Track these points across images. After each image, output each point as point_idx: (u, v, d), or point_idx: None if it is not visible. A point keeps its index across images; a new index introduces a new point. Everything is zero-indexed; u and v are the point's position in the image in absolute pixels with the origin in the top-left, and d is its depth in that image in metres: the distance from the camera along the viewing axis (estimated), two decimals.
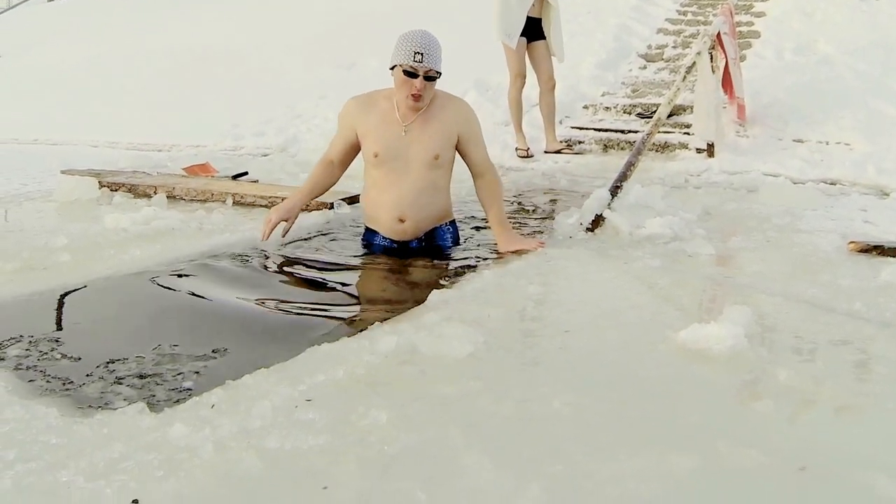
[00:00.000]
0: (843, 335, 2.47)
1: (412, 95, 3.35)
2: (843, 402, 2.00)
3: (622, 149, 6.75)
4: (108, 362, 2.26)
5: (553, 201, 5.02)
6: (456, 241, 3.70)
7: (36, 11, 20.08)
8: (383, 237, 3.59)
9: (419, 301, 2.77)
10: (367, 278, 3.35)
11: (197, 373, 2.19)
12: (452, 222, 3.71)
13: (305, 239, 3.84)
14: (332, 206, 4.37)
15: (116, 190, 5.03)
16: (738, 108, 6.60)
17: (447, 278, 3.17)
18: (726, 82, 6.46)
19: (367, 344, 2.29)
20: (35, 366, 2.24)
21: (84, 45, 14.34)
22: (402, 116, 3.45)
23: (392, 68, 3.39)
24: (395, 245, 3.57)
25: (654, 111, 5.68)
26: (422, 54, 3.30)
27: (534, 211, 4.68)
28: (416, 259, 3.47)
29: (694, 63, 5.82)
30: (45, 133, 9.83)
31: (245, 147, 8.00)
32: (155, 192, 4.89)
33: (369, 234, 3.68)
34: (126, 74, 12.02)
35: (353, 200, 4.44)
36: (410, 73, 3.32)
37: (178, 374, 2.18)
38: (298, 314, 2.74)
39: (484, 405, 1.93)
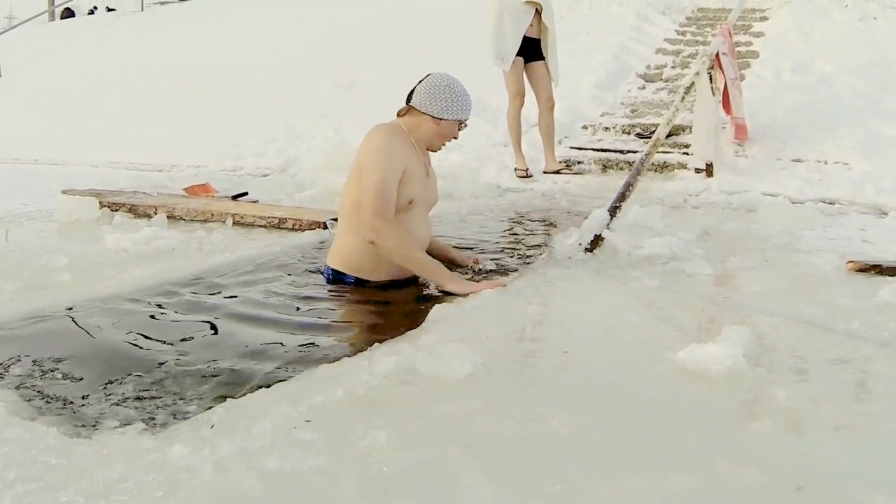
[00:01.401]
0: (842, 355, 2.47)
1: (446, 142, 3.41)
2: (841, 422, 2.00)
3: (621, 169, 6.77)
4: (107, 383, 2.26)
5: (552, 221, 5.03)
6: None
7: (37, 31, 20.19)
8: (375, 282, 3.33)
9: (418, 321, 2.78)
10: (365, 298, 3.35)
11: (196, 393, 2.19)
12: None
13: (299, 259, 3.84)
14: (325, 226, 4.39)
15: (117, 210, 5.05)
16: (737, 127, 6.62)
17: (443, 301, 3.16)
18: (724, 102, 6.49)
19: (367, 364, 2.29)
20: (35, 386, 2.24)
21: (84, 64, 14.39)
22: (425, 157, 3.44)
23: (442, 119, 3.31)
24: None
25: (653, 131, 5.70)
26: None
27: (533, 231, 4.69)
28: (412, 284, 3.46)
29: (693, 83, 5.85)
30: (46, 153, 9.84)
31: (245, 167, 8.02)
32: (155, 212, 4.91)
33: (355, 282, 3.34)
34: (126, 93, 12.05)
35: None
36: (460, 127, 3.39)
37: (178, 394, 2.18)
38: (297, 334, 2.74)
39: (483, 425, 1.93)
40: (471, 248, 4.04)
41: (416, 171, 3.28)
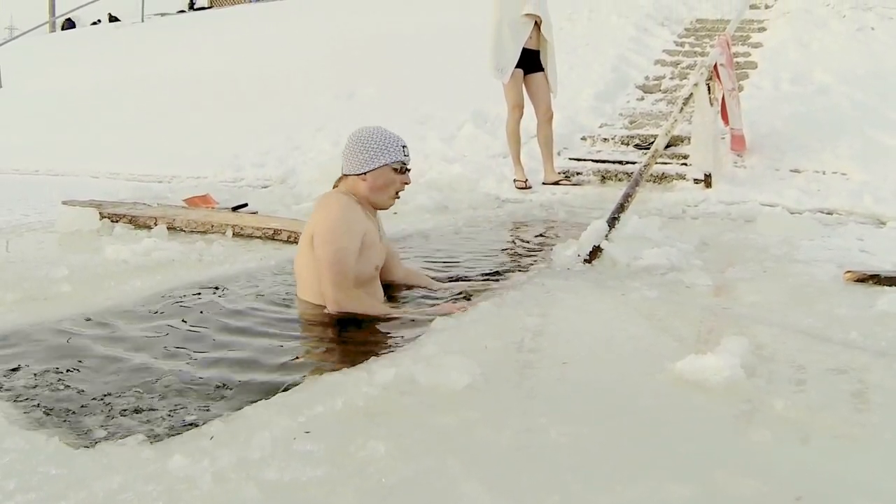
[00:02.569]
0: (840, 365, 2.48)
1: (397, 193, 3.21)
2: (839, 432, 2.01)
3: (620, 180, 6.79)
4: (107, 393, 2.27)
5: (551, 233, 5.03)
6: None
7: (37, 42, 20.25)
8: None
9: (416, 333, 2.78)
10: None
11: (196, 404, 2.19)
12: None
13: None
14: None
15: (117, 221, 5.06)
16: (734, 138, 6.64)
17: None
18: (722, 113, 6.51)
19: (366, 375, 2.30)
20: (35, 396, 2.25)
21: (85, 75, 14.44)
22: (377, 224, 3.27)
23: (366, 173, 3.13)
24: None
25: (652, 142, 5.71)
26: (406, 146, 3.20)
27: (531, 242, 4.70)
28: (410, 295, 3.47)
29: (691, 94, 5.87)
30: (47, 163, 9.87)
31: (245, 178, 8.04)
32: (155, 224, 4.92)
33: None
34: (127, 104, 12.09)
35: None
36: (402, 169, 3.19)
37: (178, 405, 2.19)
38: (296, 345, 2.75)
39: (482, 436, 1.93)
40: (449, 270, 4.00)
41: (371, 237, 3.14)
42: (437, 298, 3.33)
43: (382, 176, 3.14)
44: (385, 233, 3.41)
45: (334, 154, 8.15)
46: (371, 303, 3.07)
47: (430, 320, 2.86)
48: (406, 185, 3.23)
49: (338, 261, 2.98)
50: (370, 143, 3.13)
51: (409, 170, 3.23)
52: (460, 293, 3.39)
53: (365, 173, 3.13)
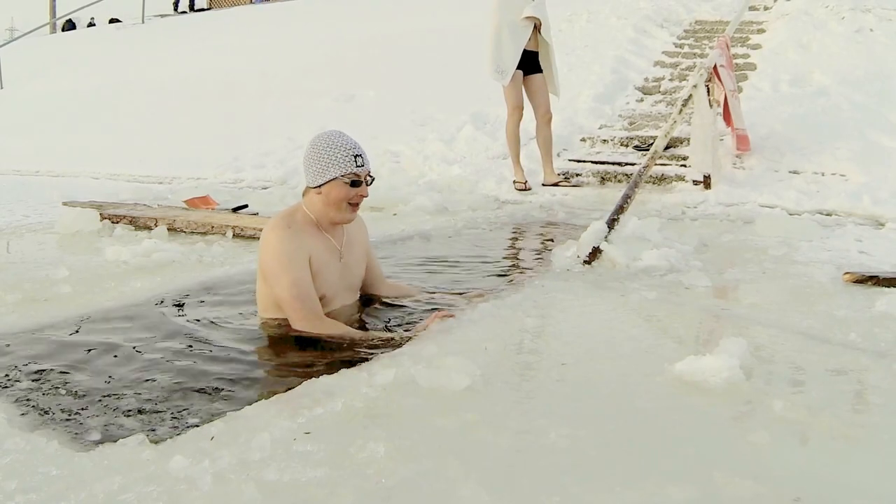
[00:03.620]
0: (839, 366, 2.48)
1: (353, 205, 2.93)
2: (838, 433, 2.01)
3: (619, 181, 6.80)
4: (108, 394, 2.28)
5: (550, 234, 5.04)
6: None
7: (38, 43, 20.27)
8: None
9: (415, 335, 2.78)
10: (365, 310, 3.36)
11: (196, 405, 2.20)
12: None
13: None
14: None
15: (117, 222, 5.07)
16: (738, 138, 6.63)
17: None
18: (725, 113, 6.52)
19: (366, 376, 2.30)
20: (36, 397, 2.25)
21: (85, 76, 14.47)
22: (336, 240, 3.02)
23: (320, 186, 2.89)
24: None
25: (651, 143, 5.72)
26: (360, 156, 2.90)
27: (531, 243, 4.71)
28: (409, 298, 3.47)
29: (690, 95, 5.87)
30: (47, 164, 9.89)
31: (245, 179, 8.06)
32: (156, 225, 4.93)
33: None
34: (127, 106, 12.11)
35: None
36: (356, 182, 2.89)
37: (178, 406, 2.19)
38: (296, 347, 2.75)
39: (481, 437, 1.94)
40: (448, 271, 4.00)
41: (323, 258, 2.93)
42: (419, 311, 3.15)
43: (335, 189, 2.88)
44: (362, 247, 3.17)
45: None
46: (344, 330, 2.82)
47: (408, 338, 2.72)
48: (362, 198, 2.94)
49: (294, 296, 2.81)
50: (321, 153, 2.87)
51: (367, 180, 2.94)
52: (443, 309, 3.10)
53: (319, 186, 2.90)
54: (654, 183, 6.55)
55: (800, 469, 1.82)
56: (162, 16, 22.32)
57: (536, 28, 6.64)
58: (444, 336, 2.71)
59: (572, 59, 9.59)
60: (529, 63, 6.69)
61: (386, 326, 3.01)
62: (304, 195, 3.01)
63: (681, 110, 5.70)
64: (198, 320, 3.04)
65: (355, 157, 2.87)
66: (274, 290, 2.87)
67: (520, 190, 6.72)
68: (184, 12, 23.13)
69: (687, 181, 6.41)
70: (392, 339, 2.76)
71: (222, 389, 2.32)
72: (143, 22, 20.68)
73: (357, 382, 2.27)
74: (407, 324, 3.01)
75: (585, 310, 3.17)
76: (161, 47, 15.78)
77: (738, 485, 1.70)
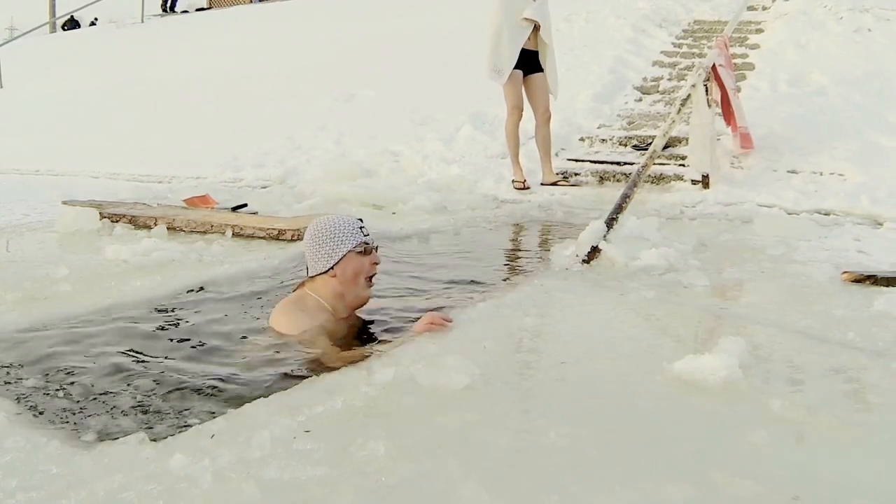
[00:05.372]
0: (837, 365, 2.49)
1: (369, 277, 2.92)
2: (836, 432, 2.02)
3: (618, 181, 6.80)
4: (108, 393, 2.28)
5: (549, 233, 5.05)
6: None
7: (38, 42, 20.25)
8: None
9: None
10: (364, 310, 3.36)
11: (196, 403, 2.21)
12: None
13: (298, 271, 3.86)
14: None
15: (117, 221, 5.06)
16: (742, 136, 6.62)
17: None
18: (728, 113, 6.52)
19: (365, 375, 2.30)
20: (36, 396, 2.26)
21: (85, 75, 14.46)
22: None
23: (333, 267, 2.86)
24: None
25: (650, 143, 5.73)
26: (363, 226, 2.93)
27: (530, 243, 4.71)
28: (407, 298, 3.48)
29: (689, 95, 5.88)
30: (47, 163, 9.88)
31: (245, 179, 8.05)
32: (155, 224, 4.92)
33: None
34: (127, 105, 12.11)
35: None
36: (367, 250, 2.90)
37: (178, 404, 2.20)
38: (296, 346, 2.75)
39: (481, 436, 1.94)
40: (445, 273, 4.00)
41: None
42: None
43: (350, 264, 2.86)
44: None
45: (337, 153, 8.21)
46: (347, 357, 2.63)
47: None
48: (377, 266, 2.94)
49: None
50: (326, 235, 2.87)
51: (375, 248, 2.95)
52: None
53: (332, 267, 2.86)
54: (652, 182, 6.55)
55: (798, 468, 1.82)
56: (161, 15, 22.30)
57: (536, 28, 6.65)
58: (443, 335, 2.71)
59: (571, 58, 9.59)
60: (529, 62, 6.69)
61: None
62: (305, 286, 2.95)
63: (679, 110, 5.71)
64: (196, 319, 3.04)
65: (360, 228, 2.90)
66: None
67: (519, 189, 6.72)
68: (185, 11, 23.06)
69: (685, 181, 6.42)
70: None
71: (222, 388, 2.32)
72: (142, 21, 20.67)
73: (357, 381, 2.27)
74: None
75: (584, 309, 3.17)
76: (160, 47, 15.76)
77: (737, 484, 1.70)
